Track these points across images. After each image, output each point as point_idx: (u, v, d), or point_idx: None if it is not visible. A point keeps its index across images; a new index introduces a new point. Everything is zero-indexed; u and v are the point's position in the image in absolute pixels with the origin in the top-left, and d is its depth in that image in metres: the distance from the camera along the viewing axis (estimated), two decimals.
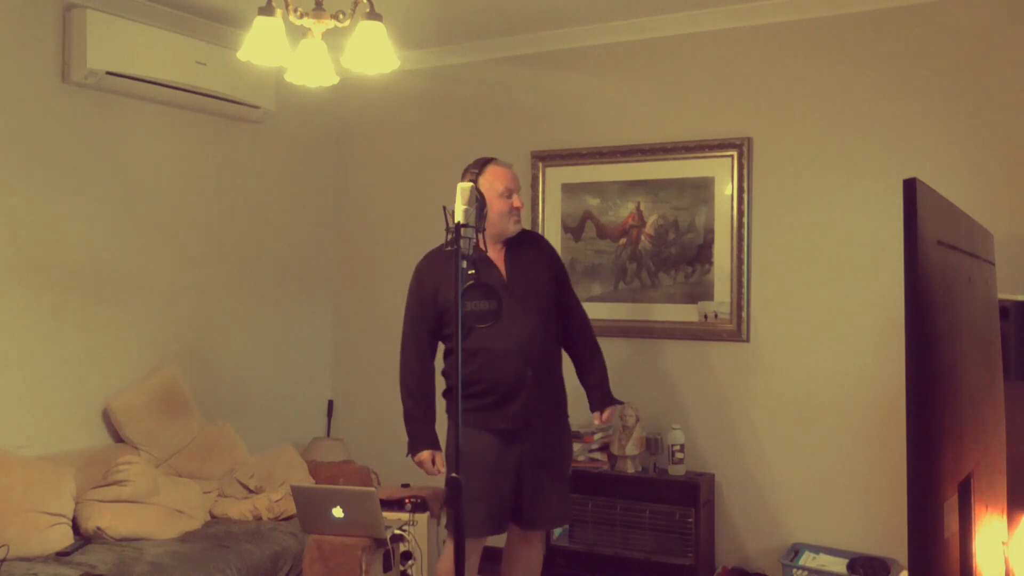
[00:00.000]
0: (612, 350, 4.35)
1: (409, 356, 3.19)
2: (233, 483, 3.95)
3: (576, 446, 4.04)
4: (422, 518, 3.69)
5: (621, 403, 3.38)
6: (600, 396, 3.31)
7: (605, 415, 3.30)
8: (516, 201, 3.12)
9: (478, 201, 2.46)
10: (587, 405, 3.35)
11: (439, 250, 3.15)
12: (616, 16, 4.22)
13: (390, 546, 3.24)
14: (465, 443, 3.08)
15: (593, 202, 4.42)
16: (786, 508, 4.01)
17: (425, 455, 3.13)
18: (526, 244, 3.23)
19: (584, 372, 3.34)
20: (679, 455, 4.03)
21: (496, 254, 3.14)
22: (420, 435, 3.14)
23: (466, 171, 3.15)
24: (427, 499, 3.77)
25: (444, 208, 2.82)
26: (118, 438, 3.86)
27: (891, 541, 3.73)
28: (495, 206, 3.03)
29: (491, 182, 3.07)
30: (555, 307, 3.22)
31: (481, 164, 3.14)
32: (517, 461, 3.08)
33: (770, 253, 4.06)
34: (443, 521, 3.64)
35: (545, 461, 3.13)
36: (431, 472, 3.14)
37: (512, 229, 3.15)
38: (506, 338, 3.00)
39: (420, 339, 3.17)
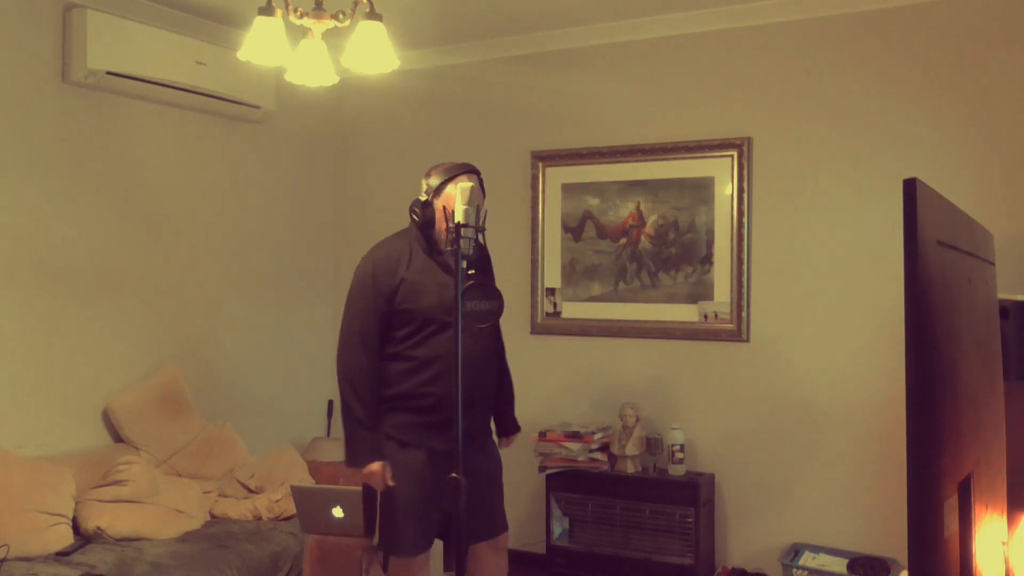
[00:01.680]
0: (612, 350, 4.36)
1: (357, 353, 2.85)
2: (233, 483, 3.95)
3: (576, 446, 4.05)
4: None
5: (519, 430, 3.22)
6: (507, 423, 3.16)
7: (511, 441, 3.18)
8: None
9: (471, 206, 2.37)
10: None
11: (396, 236, 2.97)
12: (616, 16, 4.22)
13: None
14: (399, 461, 2.82)
15: (593, 202, 4.42)
16: (786, 508, 4.01)
17: (377, 467, 2.78)
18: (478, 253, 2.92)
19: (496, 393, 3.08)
20: (679, 455, 4.03)
21: (445, 260, 2.87)
22: (369, 444, 2.80)
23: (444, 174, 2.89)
24: None
25: (445, 208, 2.83)
26: (118, 438, 3.86)
27: (891, 541, 3.73)
28: (443, 223, 2.84)
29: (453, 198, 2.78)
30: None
31: (453, 173, 2.86)
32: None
33: (770, 253, 4.06)
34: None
35: (480, 475, 2.85)
36: (380, 486, 2.81)
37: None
38: (463, 351, 2.58)
39: (370, 336, 2.85)
